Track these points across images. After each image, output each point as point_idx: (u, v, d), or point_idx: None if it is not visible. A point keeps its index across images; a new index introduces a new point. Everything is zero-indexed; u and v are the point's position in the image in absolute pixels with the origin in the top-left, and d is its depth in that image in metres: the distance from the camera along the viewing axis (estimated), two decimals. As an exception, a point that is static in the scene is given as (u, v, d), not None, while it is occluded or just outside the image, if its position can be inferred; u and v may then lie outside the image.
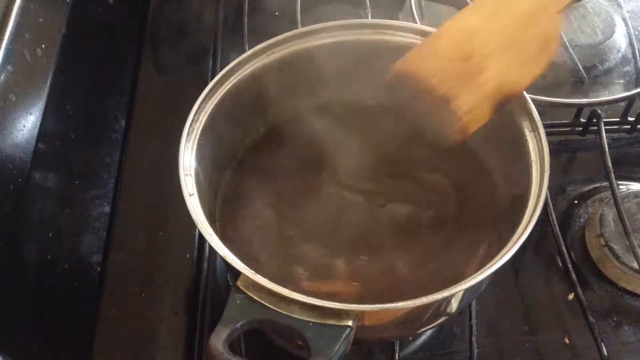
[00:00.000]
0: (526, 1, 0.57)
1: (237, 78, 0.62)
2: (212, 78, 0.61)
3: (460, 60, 0.52)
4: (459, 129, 0.55)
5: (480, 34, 0.54)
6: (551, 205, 0.75)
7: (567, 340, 0.68)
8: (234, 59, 0.63)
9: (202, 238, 0.73)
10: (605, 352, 0.65)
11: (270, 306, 0.48)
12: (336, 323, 0.47)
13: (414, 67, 0.55)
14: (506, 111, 0.60)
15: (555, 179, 0.76)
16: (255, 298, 0.48)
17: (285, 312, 0.48)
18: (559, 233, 0.73)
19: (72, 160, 0.70)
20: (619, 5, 0.95)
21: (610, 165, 0.73)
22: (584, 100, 0.83)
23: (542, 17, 0.56)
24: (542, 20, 0.56)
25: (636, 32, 0.93)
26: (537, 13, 0.56)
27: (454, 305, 0.57)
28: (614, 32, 0.93)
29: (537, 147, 0.57)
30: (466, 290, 0.52)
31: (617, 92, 0.86)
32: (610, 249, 0.71)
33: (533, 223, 0.52)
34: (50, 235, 0.63)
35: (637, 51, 0.90)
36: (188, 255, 0.72)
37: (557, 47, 0.57)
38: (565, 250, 0.72)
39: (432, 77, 0.53)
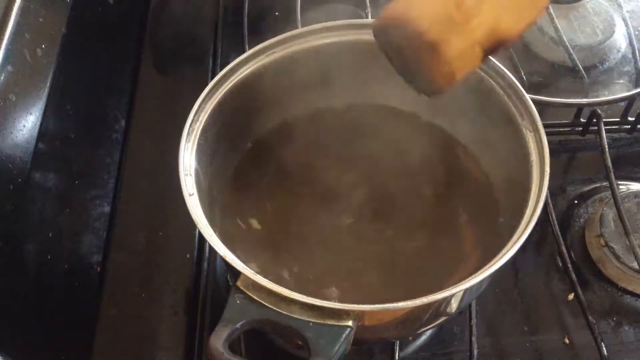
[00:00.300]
0: None
1: (237, 78, 0.62)
2: (212, 78, 0.61)
3: (452, 6, 0.51)
4: (447, 74, 0.53)
5: None
6: (551, 205, 0.75)
7: (567, 340, 0.68)
8: (234, 59, 0.63)
9: (202, 238, 0.73)
10: (605, 352, 0.65)
11: (270, 306, 0.48)
12: (336, 323, 0.48)
13: (404, 11, 0.53)
14: (506, 111, 0.60)
15: (555, 179, 0.76)
16: (255, 298, 0.48)
17: (285, 312, 0.48)
18: (559, 233, 0.73)
19: (72, 160, 0.70)
20: (619, 5, 0.95)
21: (610, 165, 0.73)
22: (584, 100, 0.83)
23: None
24: None
25: (636, 32, 0.93)
26: None
27: (454, 305, 0.57)
28: (614, 32, 0.92)
29: (537, 147, 0.57)
30: (466, 290, 0.52)
31: (617, 92, 0.86)
32: (610, 249, 0.71)
33: (533, 223, 0.52)
34: (50, 235, 0.63)
35: (637, 51, 0.90)
36: (188, 255, 0.72)
37: None
38: (565, 250, 0.72)
39: (422, 21, 0.51)
